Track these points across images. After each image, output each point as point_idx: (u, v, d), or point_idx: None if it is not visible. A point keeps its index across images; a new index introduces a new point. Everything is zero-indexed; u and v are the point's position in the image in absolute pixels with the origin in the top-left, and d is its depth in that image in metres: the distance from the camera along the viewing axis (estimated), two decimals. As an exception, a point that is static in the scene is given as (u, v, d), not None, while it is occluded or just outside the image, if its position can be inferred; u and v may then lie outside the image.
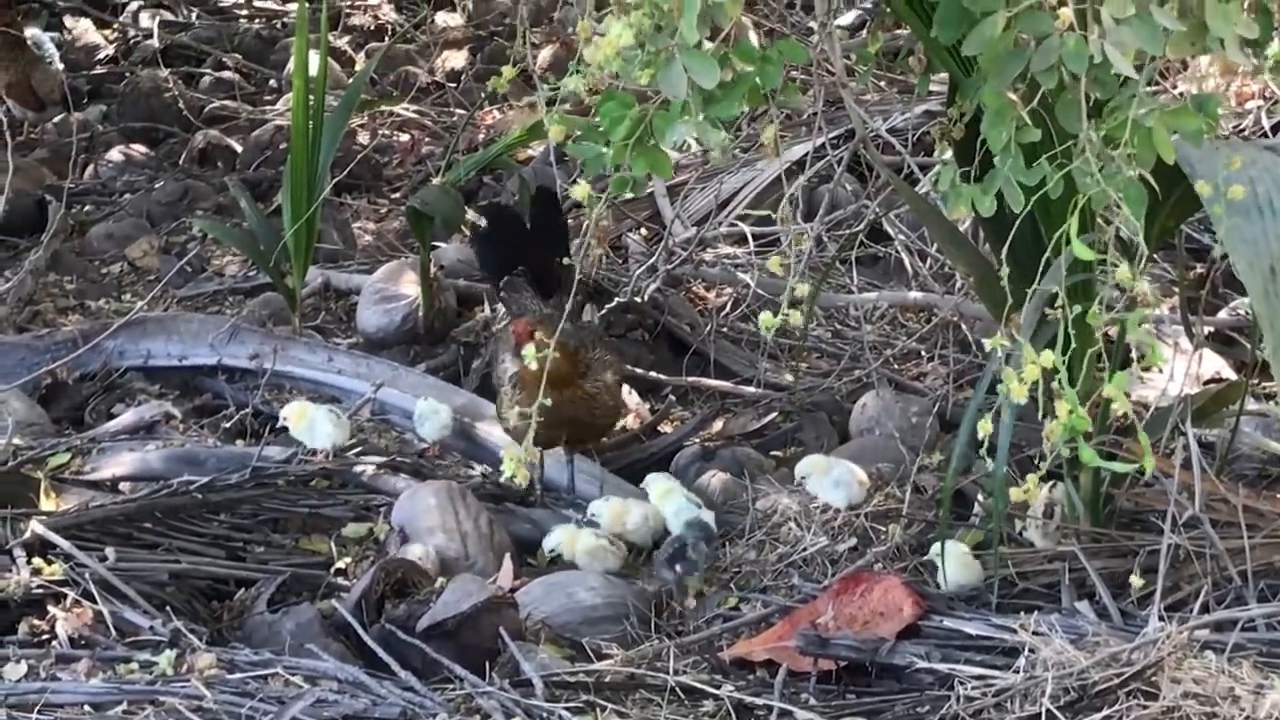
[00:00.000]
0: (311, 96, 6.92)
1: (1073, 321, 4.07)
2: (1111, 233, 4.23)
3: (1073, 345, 4.02)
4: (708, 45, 4.11)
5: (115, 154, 9.09)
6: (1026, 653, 4.49)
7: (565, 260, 5.49)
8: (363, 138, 8.95)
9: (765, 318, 4.19)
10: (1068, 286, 4.15)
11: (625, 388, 6.61)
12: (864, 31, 8.83)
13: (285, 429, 6.05)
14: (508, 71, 4.53)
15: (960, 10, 4.28)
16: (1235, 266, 4.48)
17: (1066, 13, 4.00)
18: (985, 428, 4.07)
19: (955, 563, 5.12)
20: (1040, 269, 4.26)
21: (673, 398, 6.74)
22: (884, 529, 5.48)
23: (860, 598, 4.98)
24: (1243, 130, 7.57)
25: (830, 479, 5.66)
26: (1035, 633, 4.55)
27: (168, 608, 4.99)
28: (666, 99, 4.12)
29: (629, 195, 4.34)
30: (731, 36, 4.19)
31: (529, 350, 4.25)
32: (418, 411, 6.23)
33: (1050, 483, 5.17)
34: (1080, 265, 4.20)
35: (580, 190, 4.26)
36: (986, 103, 4.25)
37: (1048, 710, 4.23)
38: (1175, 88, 6.97)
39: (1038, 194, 4.21)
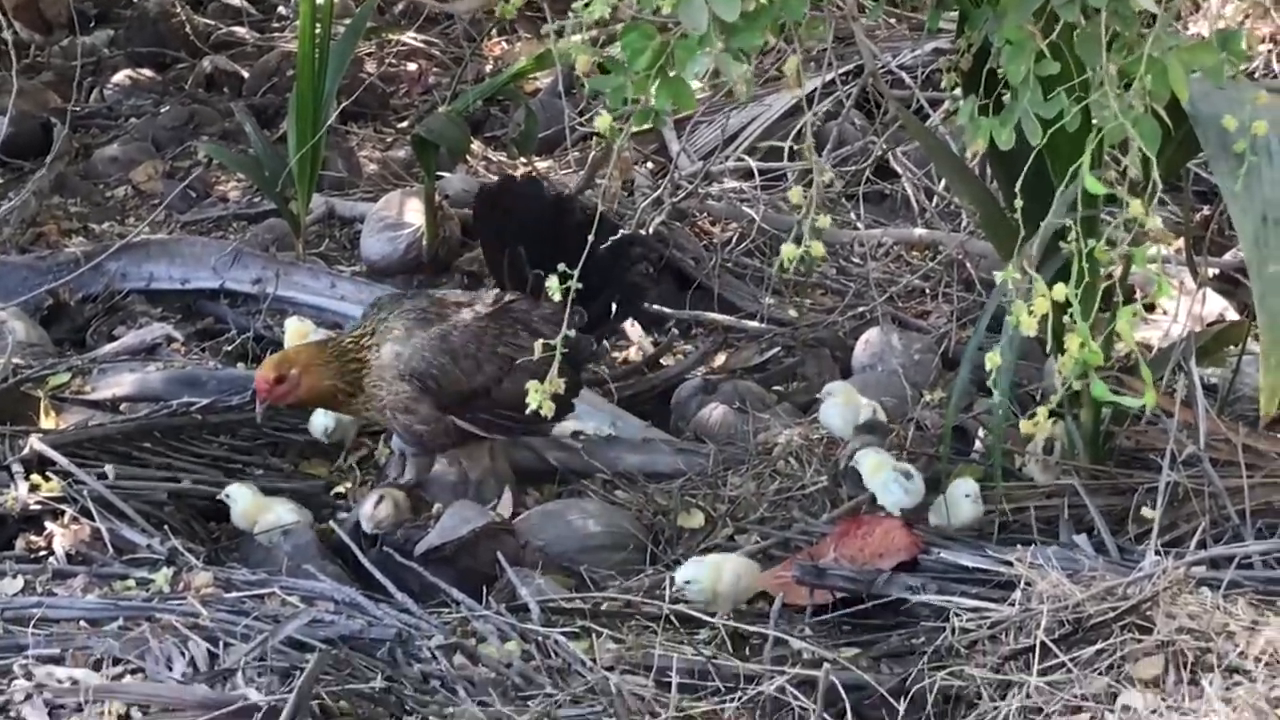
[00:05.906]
0: (318, 23, 6.88)
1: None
2: (1121, 169, 4.20)
3: (1085, 279, 4.00)
4: (729, -24, 4.07)
5: (121, 78, 9.04)
6: (1022, 586, 4.48)
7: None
8: (370, 66, 8.90)
9: (787, 249, 4.13)
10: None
11: (629, 320, 6.56)
12: (876, -33, 8.78)
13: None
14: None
15: (974, -57, 4.25)
16: (1230, 210, 4.45)
17: (1087, -55, 3.97)
18: (994, 361, 4.05)
19: (958, 502, 5.13)
20: (1053, 203, 4.24)
21: (676, 331, 6.72)
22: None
23: (861, 539, 4.99)
24: (1253, 73, 7.53)
25: (849, 408, 5.63)
26: (1031, 565, 4.54)
27: (165, 526, 5.02)
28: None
29: (646, 127, 4.30)
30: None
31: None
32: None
33: (1051, 419, 5.16)
34: (1086, 201, 4.18)
35: (603, 121, 4.22)
36: (1007, 36, 4.21)
37: (1042, 643, 4.22)
38: (1187, 29, 6.94)
39: (1052, 128, 4.18)
